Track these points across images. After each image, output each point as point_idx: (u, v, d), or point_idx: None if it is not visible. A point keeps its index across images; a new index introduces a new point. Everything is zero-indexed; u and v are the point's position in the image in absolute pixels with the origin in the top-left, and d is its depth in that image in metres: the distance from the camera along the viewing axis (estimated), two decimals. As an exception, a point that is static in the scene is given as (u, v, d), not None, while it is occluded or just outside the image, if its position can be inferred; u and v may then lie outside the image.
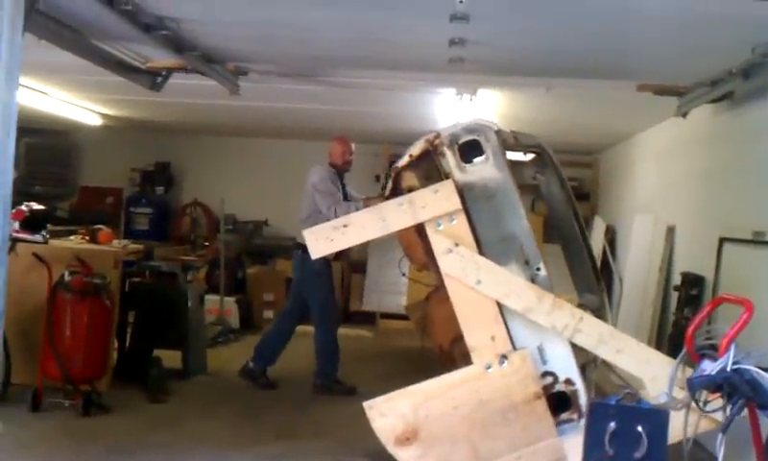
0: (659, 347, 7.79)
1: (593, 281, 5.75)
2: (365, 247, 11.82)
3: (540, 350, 4.88)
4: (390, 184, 5.71)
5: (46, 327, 6.60)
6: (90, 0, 4.50)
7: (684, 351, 3.89)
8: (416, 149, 5.17)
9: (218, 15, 5.23)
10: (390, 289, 12.39)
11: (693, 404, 3.61)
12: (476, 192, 4.98)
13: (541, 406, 4.81)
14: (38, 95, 9.12)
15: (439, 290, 5.30)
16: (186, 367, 8.13)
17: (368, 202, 7.09)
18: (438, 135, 5.07)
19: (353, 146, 8.27)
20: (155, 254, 8.85)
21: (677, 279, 7.79)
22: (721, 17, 4.49)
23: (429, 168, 5.09)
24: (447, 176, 4.99)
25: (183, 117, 11.68)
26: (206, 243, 12.72)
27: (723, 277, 6.61)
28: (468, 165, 5.02)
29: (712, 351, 3.61)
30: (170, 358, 7.90)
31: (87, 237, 7.98)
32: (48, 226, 7.69)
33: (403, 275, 7.21)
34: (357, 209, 7.13)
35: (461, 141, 5.04)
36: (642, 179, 9.95)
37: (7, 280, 3.54)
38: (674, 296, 7.81)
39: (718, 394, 3.49)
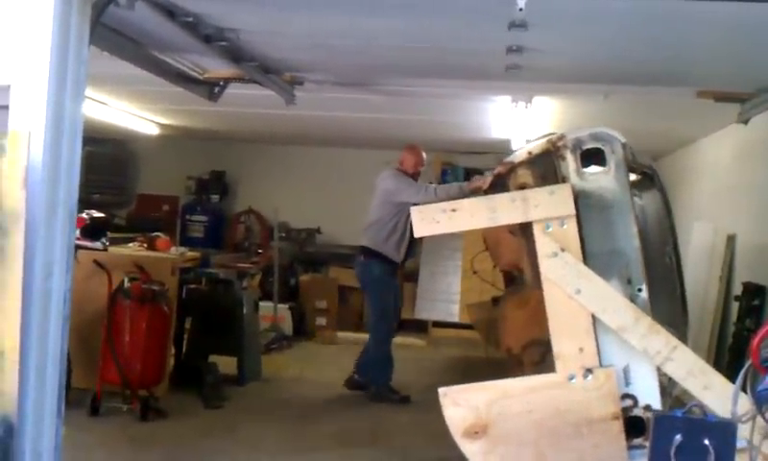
0: (718, 358, 7.65)
1: (678, 315, 5.58)
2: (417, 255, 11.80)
3: (626, 371, 4.78)
4: (490, 177, 5.69)
5: (106, 333, 6.71)
6: (152, 12, 4.56)
7: (749, 362, 3.79)
8: (536, 147, 5.10)
9: (277, 26, 5.27)
10: (442, 298, 12.36)
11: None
12: (591, 201, 4.88)
13: (617, 427, 4.71)
14: (98, 105, 9.30)
15: (517, 293, 5.24)
16: (241, 373, 8.20)
17: (471, 186, 7.03)
18: (562, 138, 4.97)
19: (425, 155, 8.30)
20: (210, 262, 8.95)
21: (738, 289, 7.63)
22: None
23: (546, 169, 5.01)
24: (564, 179, 4.90)
25: (238, 126, 11.80)
26: (260, 250, 12.82)
27: (786, 287, 6.46)
28: (587, 173, 4.93)
29: (779, 363, 3.51)
30: (225, 364, 7.98)
31: (145, 245, 8.10)
32: (108, 233, 7.84)
33: (474, 272, 7.20)
34: (461, 190, 7.18)
35: (584, 147, 4.95)
36: (702, 186, 9.78)
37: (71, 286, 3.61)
38: (734, 306, 7.65)
39: (786, 407, 3.40)
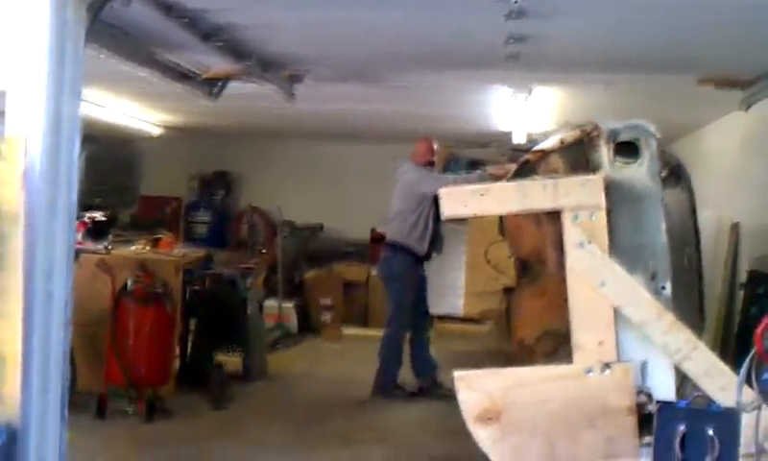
0: (725, 346, 7.62)
1: (695, 317, 5.55)
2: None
3: (644, 366, 4.76)
4: (515, 166, 5.66)
5: (110, 335, 6.72)
6: (149, 10, 4.54)
7: (754, 351, 3.78)
8: (569, 136, 5.06)
9: (275, 20, 5.24)
10: (447, 292, 12.35)
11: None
12: (622, 194, 4.83)
13: (631, 422, 4.69)
14: (99, 106, 9.29)
15: (534, 282, 5.22)
16: (247, 372, 8.20)
17: (493, 174, 7.01)
18: (596, 128, 4.92)
19: (436, 146, 8.34)
20: (214, 261, 8.94)
21: (743, 277, 7.61)
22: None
23: (578, 158, 4.95)
24: (595, 169, 4.88)
25: (239, 123, 11.79)
26: (264, 248, 12.82)
27: (792, 274, 6.43)
28: (620, 164, 4.89)
29: (785, 351, 3.49)
30: (231, 363, 7.98)
31: (149, 245, 8.10)
32: (110, 234, 7.83)
33: (488, 262, 7.19)
34: (481, 179, 7.17)
35: (619, 139, 4.92)
36: (705, 174, 9.71)
37: (72, 289, 3.60)
38: (740, 294, 7.62)
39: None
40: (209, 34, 5.23)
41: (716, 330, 8.09)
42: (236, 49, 5.81)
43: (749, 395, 3.71)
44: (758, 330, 3.79)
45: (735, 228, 8.12)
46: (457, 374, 4.75)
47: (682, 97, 7.63)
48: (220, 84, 6.97)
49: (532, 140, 10.91)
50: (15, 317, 3.24)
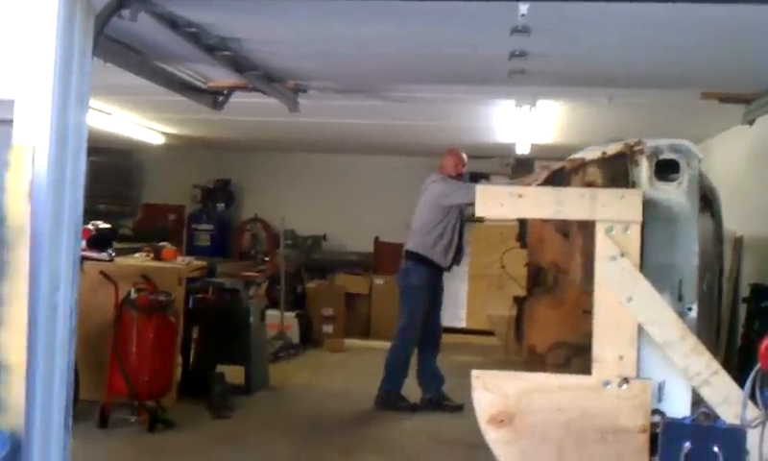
0: (728, 360, 7.61)
1: (712, 346, 5.54)
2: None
3: (661, 386, 4.75)
4: (545, 173, 5.67)
5: (113, 344, 6.71)
6: (155, 23, 4.56)
7: (758, 366, 3.77)
8: (611, 149, 5.06)
9: (279, 35, 5.27)
10: (449, 303, 12.33)
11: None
12: (658, 212, 4.83)
13: (643, 441, 4.68)
14: (103, 115, 9.31)
15: (550, 293, 5.22)
16: (249, 382, 8.18)
17: (522, 183, 7.03)
18: (639, 143, 4.93)
19: (465, 156, 8.34)
20: (217, 271, 8.95)
21: (746, 291, 7.60)
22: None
23: (617, 171, 4.96)
24: (634, 185, 4.88)
25: (243, 134, 11.81)
26: (266, 258, 12.82)
27: (794, 288, 6.42)
28: (659, 182, 4.89)
29: (789, 367, 3.49)
30: (233, 374, 7.97)
31: (152, 255, 8.10)
32: (113, 244, 7.84)
33: (503, 267, 7.24)
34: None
35: (661, 157, 4.91)
36: (707, 188, 9.74)
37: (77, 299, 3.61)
38: (743, 308, 7.62)
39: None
40: (214, 47, 5.26)
41: (720, 344, 8.08)
42: (240, 61, 5.84)
43: (753, 411, 3.71)
44: (762, 346, 3.78)
45: (739, 241, 8.12)
46: (474, 372, 4.75)
47: (685, 111, 7.65)
48: (224, 94, 7.00)
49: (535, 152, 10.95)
50: (21, 327, 3.25)
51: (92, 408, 6.69)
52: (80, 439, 6.19)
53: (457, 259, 8.24)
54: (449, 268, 8.18)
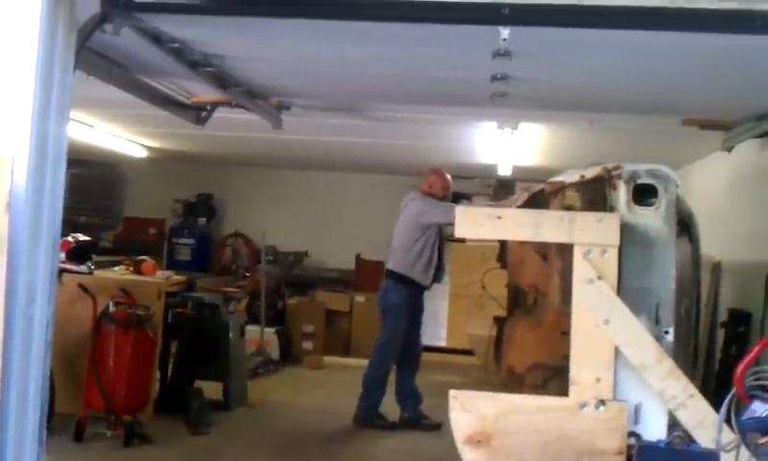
0: (706, 384, 7.65)
1: (688, 371, 5.58)
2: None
3: (638, 409, 4.78)
4: (525, 194, 5.67)
5: (90, 358, 6.67)
6: (138, 38, 4.56)
7: (734, 391, 3.80)
8: (590, 172, 5.09)
9: (263, 53, 5.29)
10: (429, 322, 12.34)
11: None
12: (635, 236, 4.87)
13: None
14: (85, 128, 9.29)
15: (530, 314, 5.22)
16: (227, 398, 8.15)
17: (501, 205, 7.05)
18: (618, 167, 4.97)
19: (450, 178, 8.37)
20: (196, 285, 8.91)
21: (724, 316, 7.65)
22: (767, 51, 4.43)
23: (596, 195, 5.00)
24: (612, 209, 4.91)
25: (226, 150, 11.81)
26: (247, 274, 12.79)
27: (771, 314, 6.48)
28: (637, 207, 4.93)
29: (763, 392, 3.52)
30: (211, 389, 7.93)
31: (131, 268, 8.07)
32: (93, 256, 7.80)
33: (483, 287, 7.28)
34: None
35: (638, 181, 4.95)
36: (687, 212, 9.82)
37: (55, 312, 3.59)
38: (721, 333, 7.67)
39: (770, 437, 3.40)
40: (197, 62, 5.26)
41: (697, 369, 8.12)
42: (224, 77, 5.84)
43: (728, 435, 3.73)
44: (738, 371, 3.81)
45: (717, 266, 8.18)
46: (452, 392, 4.75)
47: (665, 136, 7.71)
48: (207, 109, 7.00)
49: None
50: (-5, 339, 3.22)
51: (68, 422, 6.63)
52: (54, 453, 6.15)
53: (438, 277, 8.26)
54: (430, 286, 8.19)
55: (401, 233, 8.06)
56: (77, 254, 7.49)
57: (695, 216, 5.42)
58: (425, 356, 11.23)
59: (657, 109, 6.45)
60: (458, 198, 11.60)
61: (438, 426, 7.62)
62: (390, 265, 8.11)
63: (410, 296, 8.01)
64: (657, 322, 4.83)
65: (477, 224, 4.83)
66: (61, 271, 6.84)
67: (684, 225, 5.48)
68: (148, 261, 8.17)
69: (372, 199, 12.80)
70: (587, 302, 4.71)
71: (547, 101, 6.36)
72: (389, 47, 4.92)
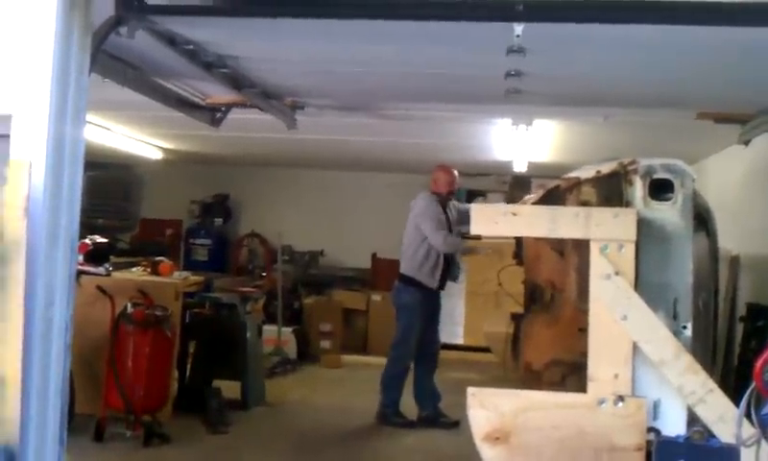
0: (725, 379, 7.61)
1: (708, 366, 5.54)
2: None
3: (656, 404, 4.76)
4: (539, 192, 5.67)
5: (109, 359, 6.71)
6: (153, 41, 4.59)
7: (753, 385, 3.78)
8: (605, 168, 5.09)
9: (276, 53, 5.30)
10: (446, 320, 12.34)
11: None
12: (651, 231, 4.85)
13: (638, 459, 4.68)
14: (102, 131, 9.34)
15: (547, 311, 5.22)
16: (245, 398, 8.17)
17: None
18: (634, 162, 4.95)
19: (456, 173, 8.31)
20: (214, 286, 8.95)
21: (743, 310, 7.61)
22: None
23: (611, 190, 4.99)
24: (628, 204, 4.90)
25: (241, 150, 11.84)
26: (264, 274, 12.82)
27: (790, 307, 6.44)
28: (654, 201, 4.91)
29: (783, 386, 3.49)
30: (229, 389, 7.96)
31: (149, 269, 8.11)
32: (111, 258, 7.85)
33: (499, 284, 7.28)
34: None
35: (655, 176, 4.94)
36: (704, 207, 9.76)
37: (73, 315, 3.61)
38: (739, 327, 7.63)
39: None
40: (211, 64, 5.29)
41: (716, 364, 8.08)
42: (238, 79, 5.87)
43: (748, 430, 3.71)
44: (758, 365, 3.79)
45: (735, 261, 8.13)
46: (470, 390, 4.75)
47: (681, 131, 7.68)
48: (222, 110, 7.03)
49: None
50: (16, 341, 3.25)
51: (88, 422, 6.68)
52: (75, 453, 6.19)
53: (452, 276, 8.24)
54: (438, 288, 8.15)
55: (409, 235, 8.07)
56: (95, 256, 7.53)
57: (712, 210, 5.39)
58: (443, 354, 11.23)
59: (671, 104, 6.42)
60: (474, 195, 11.59)
61: (456, 424, 7.62)
62: (401, 267, 8.14)
63: (422, 296, 8.00)
64: (675, 317, 4.81)
65: (493, 221, 4.82)
66: (80, 273, 6.91)
67: (702, 219, 5.44)
68: (165, 262, 8.21)
69: (388, 198, 12.78)
70: (604, 297, 4.69)
71: (561, 97, 6.35)
72: (402, 45, 4.92)
